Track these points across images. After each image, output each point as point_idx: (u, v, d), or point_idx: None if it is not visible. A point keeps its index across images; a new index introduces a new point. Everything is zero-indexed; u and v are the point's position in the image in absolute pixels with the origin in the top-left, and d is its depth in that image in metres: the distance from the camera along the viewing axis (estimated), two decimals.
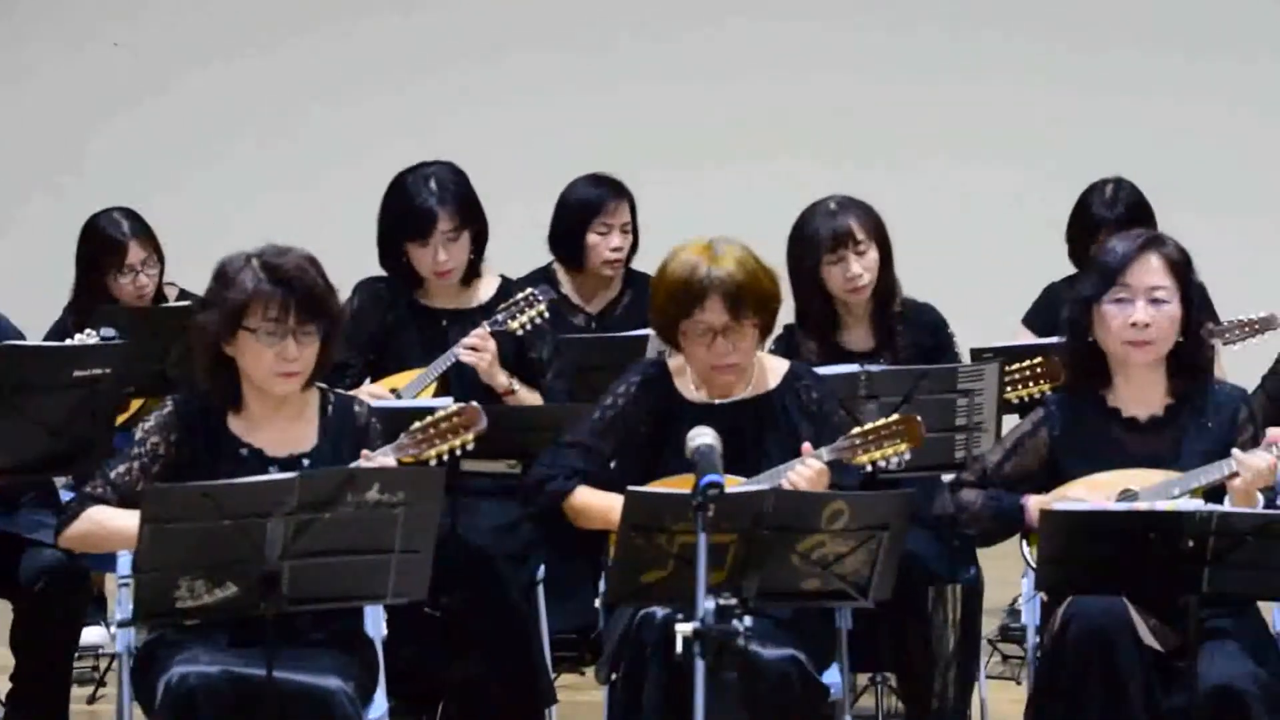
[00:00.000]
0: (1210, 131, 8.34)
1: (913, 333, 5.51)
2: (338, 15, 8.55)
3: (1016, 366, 5.40)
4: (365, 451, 4.40)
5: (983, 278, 7.35)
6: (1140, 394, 4.60)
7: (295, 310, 4.34)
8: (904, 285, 5.56)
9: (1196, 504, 4.29)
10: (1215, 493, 4.50)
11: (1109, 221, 6.25)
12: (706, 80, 8.41)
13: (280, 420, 4.44)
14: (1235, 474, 4.43)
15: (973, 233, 7.96)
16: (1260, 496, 4.46)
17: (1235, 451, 4.44)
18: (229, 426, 4.41)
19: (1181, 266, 4.56)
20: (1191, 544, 4.17)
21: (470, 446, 4.59)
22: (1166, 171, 6.85)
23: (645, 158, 7.29)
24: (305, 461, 4.40)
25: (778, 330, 5.50)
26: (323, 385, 4.51)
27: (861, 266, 5.41)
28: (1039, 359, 5.36)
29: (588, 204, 6.25)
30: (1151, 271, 4.52)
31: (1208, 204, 7.78)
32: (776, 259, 4.95)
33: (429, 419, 4.57)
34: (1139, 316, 4.51)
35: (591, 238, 6.23)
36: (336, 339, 4.43)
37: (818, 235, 5.41)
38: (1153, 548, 4.19)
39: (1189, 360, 4.58)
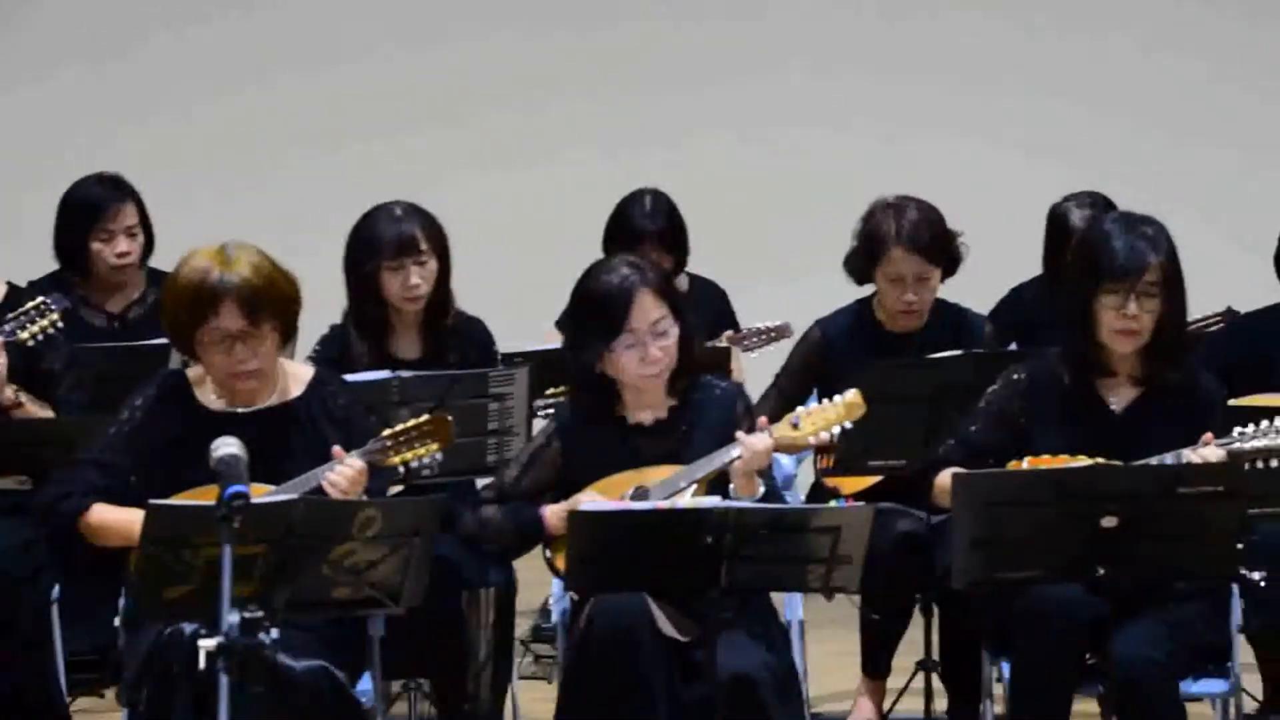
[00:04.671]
0: None
1: (462, 346, 5.50)
2: None
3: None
4: None
5: (523, 279, 7.37)
6: (644, 401, 4.73)
7: None
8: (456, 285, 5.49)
9: (714, 500, 4.42)
10: (721, 480, 4.63)
11: (650, 233, 6.36)
12: None
13: None
14: (737, 457, 4.57)
15: (531, 232, 8.01)
16: (760, 483, 4.62)
17: (739, 434, 4.60)
18: None
19: (667, 288, 4.68)
20: (710, 540, 4.28)
21: None
22: None
23: None
24: None
25: (323, 329, 5.44)
26: None
27: (420, 276, 5.37)
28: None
29: (87, 209, 6.00)
30: (649, 309, 4.62)
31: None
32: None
33: None
34: (651, 355, 4.62)
35: (95, 245, 6.00)
36: None
37: (381, 240, 5.35)
38: (675, 545, 4.29)
39: (684, 369, 4.71)
